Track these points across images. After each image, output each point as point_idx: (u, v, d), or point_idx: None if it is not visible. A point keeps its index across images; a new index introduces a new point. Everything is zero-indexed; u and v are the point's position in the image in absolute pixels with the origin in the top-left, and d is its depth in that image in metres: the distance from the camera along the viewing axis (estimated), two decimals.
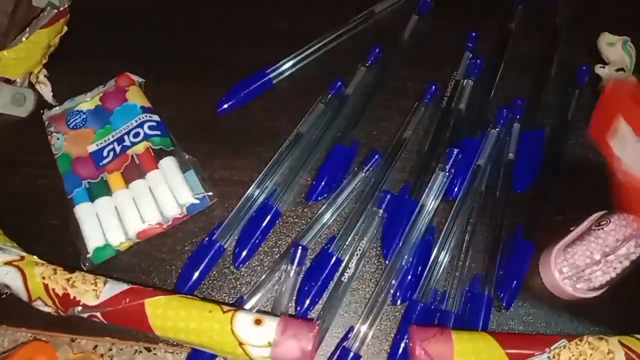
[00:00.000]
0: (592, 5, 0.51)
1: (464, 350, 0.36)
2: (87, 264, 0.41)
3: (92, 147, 0.44)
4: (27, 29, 0.45)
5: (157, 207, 0.41)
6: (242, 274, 0.42)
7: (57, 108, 0.46)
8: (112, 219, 0.41)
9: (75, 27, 0.49)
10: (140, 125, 0.43)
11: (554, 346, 0.36)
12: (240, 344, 0.35)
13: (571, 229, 0.40)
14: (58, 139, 0.44)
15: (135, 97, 0.45)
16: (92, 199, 0.42)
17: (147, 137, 0.43)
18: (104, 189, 0.42)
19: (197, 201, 0.41)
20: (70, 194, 0.42)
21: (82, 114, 0.45)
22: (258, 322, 0.36)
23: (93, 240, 0.41)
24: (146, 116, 0.44)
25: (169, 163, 0.42)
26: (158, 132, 0.43)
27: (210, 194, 0.42)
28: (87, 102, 0.46)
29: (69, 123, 0.45)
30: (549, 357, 0.36)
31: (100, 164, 0.43)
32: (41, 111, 0.46)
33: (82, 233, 0.41)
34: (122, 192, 0.42)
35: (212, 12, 0.51)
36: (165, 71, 0.47)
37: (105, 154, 0.43)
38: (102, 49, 0.49)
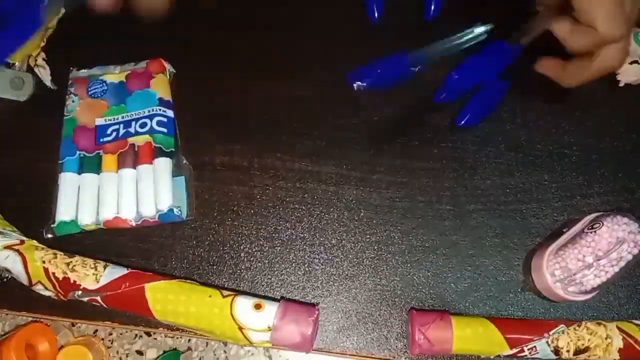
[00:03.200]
0: None
1: (464, 335, 0.36)
2: (49, 233, 0.41)
3: (100, 121, 0.44)
4: None
5: (135, 202, 0.41)
6: (241, 258, 0.42)
7: (85, 70, 0.46)
8: (90, 198, 0.41)
9: (72, 8, 0.48)
10: (151, 117, 0.43)
11: (552, 331, 0.37)
12: (240, 328, 0.36)
13: (564, 230, 0.40)
14: (73, 101, 0.44)
15: (158, 86, 0.44)
16: (80, 171, 0.42)
17: (152, 131, 0.43)
18: (95, 166, 0.42)
19: (172, 212, 0.41)
20: (62, 159, 0.42)
21: (104, 84, 0.45)
22: (258, 306, 0.36)
23: (63, 212, 0.41)
24: (160, 109, 0.43)
25: (163, 164, 0.42)
26: (164, 130, 0.43)
27: (189, 212, 0.42)
28: (114, 75, 0.45)
29: (89, 89, 0.45)
30: (547, 342, 0.36)
31: (101, 140, 0.43)
32: (71, 68, 0.46)
33: (56, 200, 0.41)
34: (110, 174, 0.42)
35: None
36: (168, 55, 0.46)
37: (108, 132, 0.43)
38: (100, 33, 0.48)
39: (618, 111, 0.46)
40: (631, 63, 0.45)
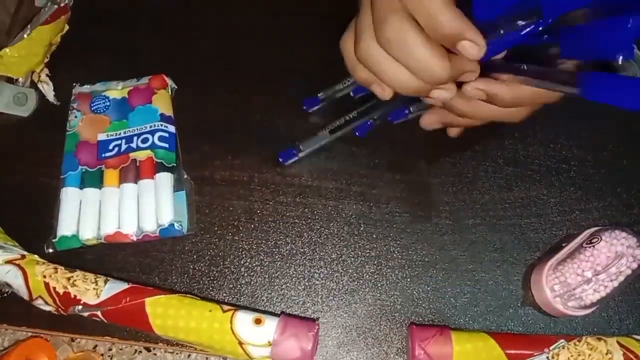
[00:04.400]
0: None
1: (464, 350, 0.36)
2: (50, 248, 0.41)
3: (102, 136, 0.44)
4: (29, 26, 0.45)
5: (136, 217, 0.41)
6: (241, 273, 0.42)
7: (88, 87, 0.46)
8: (92, 213, 0.42)
9: (77, 26, 0.49)
10: (152, 132, 0.43)
11: (552, 346, 0.37)
12: (240, 343, 0.36)
13: (563, 245, 0.40)
14: (76, 116, 0.45)
15: (160, 102, 0.45)
16: (82, 186, 0.42)
17: (153, 146, 0.43)
18: (97, 181, 0.43)
19: (173, 227, 0.41)
20: (64, 174, 0.43)
21: (107, 100, 0.45)
22: (258, 321, 0.36)
23: (64, 227, 0.41)
24: (161, 124, 0.44)
25: (164, 179, 0.42)
26: (166, 145, 0.43)
27: (189, 227, 0.42)
28: (117, 91, 0.46)
29: (92, 105, 0.45)
30: (547, 357, 0.36)
31: (103, 155, 0.43)
32: (74, 84, 0.46)
33: (58, 215, 0.41)
34: (112, 189, 0.42)
35: (211, 12, 0.51)
36: (170, 71, 0.47)
37: (110, 147, 0.43)
38: (103, 49, 0.49)
39: (615, 127, 0.46)
40: None
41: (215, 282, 0.41)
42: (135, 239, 0.41)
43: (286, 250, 0.42)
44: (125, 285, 0.38)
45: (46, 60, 0.48)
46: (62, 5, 0.47)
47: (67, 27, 0.49)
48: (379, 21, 0.31)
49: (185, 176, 0.44)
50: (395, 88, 0.34)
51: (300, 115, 0.46)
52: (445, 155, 0.45)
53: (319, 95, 0.46)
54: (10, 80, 0.46)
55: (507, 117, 0.38)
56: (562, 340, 0.37)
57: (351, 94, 0.45)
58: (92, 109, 0.45)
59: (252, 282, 0.41)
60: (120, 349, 0.40)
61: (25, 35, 0.45)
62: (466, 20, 0.30)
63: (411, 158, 0.45)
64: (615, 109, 0.46)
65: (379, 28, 0.31)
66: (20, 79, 0.47)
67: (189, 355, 0.40)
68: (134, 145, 0.43)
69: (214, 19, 0.50)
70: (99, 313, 0.37)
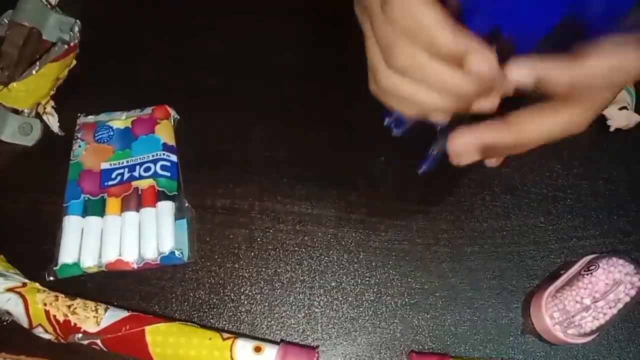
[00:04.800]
0: None
1: None
2: (51, 276, 0.41)
3: (105, 165, 0.45)
4: (38, 63, 0.46)
5: (137, 245, 0.42)
6: (241, 301, 0.42)
7: (92, 117, 0.47)
8: (94, 241, 0.42)
9: (83, 59, 0.50)
10: (155, 161, 0.44)
11: None
12: None
13: (561, 272, 0.40)
14: (80, 146, 0.46)
15: (162, 132, 0.46)
16: (84, 214, 0.43)
17: (155, 175, 0.44)
18: (99, 209, 0.43)
19: (174, 255, 0.41)
20: (67, 202, 0.43)
21: (110, 130, 0.46)
22: (258, 349, 0.36)
23: (66, 255, 0.41)
24: (164, 154, 0.45)
25: (165, 208, 0.43)
26: (167, 174, 0.44)
27: (190, 255, 0.42)
28: (120, 121, 0.47)
29: (95, 135, 0.46)
30: None
31: (105, 183, 0.44)
32: (79, 114, 0.47)
33: (60, 243, 0.42)
34: (114, 217, 0.43)
35: (212, 45, 0.52)
36: (173, 102, 0.48)
37: (113, 176, 0.44)
38: (108, 81, 0.50)
39: (610, 155, 0.47)
40: (620, 109, 0.47)
41: (215, 310, 0.41)
42: (136, 266, 0.41)
43: (286, 278, 0.42)
44: (125, 313, 0.38)
45: (52, 92, 0.49)
46: (71, 44, 0.48)
47: (74, 63, 0.50)
48: (386, 51, 0.29)
49: (187, 204, 0.44)
50: (432, 111, 0.31)
51: (300, 143, 0.47)
52: (443, 183, 0.46)
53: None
54: (15, 111, 0.47)
55: (568, 127, 0.31)
56: None
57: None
58: (96, 138, 0.46)
59: (252, 310, 0.41)
60: None
61: (34, 72, 0.46)
62: (468, 35, 0.27)
63: (409, 186, 0.46)
64: (608, 139, 0.47)
65: (389, 58, 0.29)
66: (26, 110, 0.48)
67: None
68: (136, 174, 0.44)
69: (214, 51, 0.51)
70: (98, 342, 0.37)
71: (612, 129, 0.47)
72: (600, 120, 0.47)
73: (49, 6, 0.49)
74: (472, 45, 0.27)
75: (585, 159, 0.47)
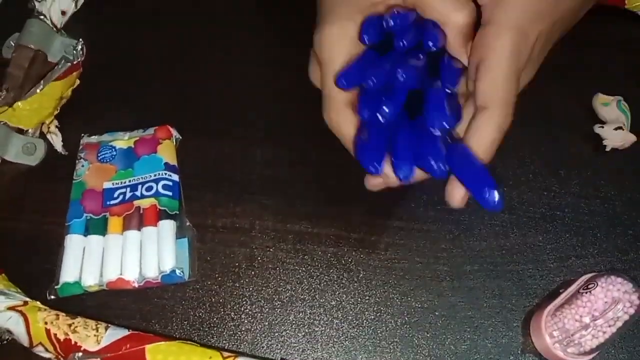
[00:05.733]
0: (579, 68, 0.53)
1: None
2: (52, 294, 0.41)
3: (108, 184, 0.45)
4: (42, 82, 0.47)
5: (138, 264, 0.42)
6: (242, 320, 0.42)
7: (95, 137, 0.48)
8: (95, 260, 0.42)
9: (87, 79, 0.51)
10: (157, 181, 0.45)
11: None
12: None
13: (560, 291, 0.41)
14: (83, 165, 0.46)
15: (165, 152, 0.46)
16: (86, 233, 0.43)
17: (157, 194, 0.44)
18: (101, 228, 0.43)
19: (175, 274, 0.41)
20: (69, 222, 0.43)
21: (113, 150, 0.47)
22: None
23: (67, 274, 0.41)
24: (166, 174, 0.45)
25: (167, 227, 0.43)
26: (169, 194, 0.45)
27: (190, 273, 0.42)
28: (123, 141, 0.47)
29: (98, 154, 0.46)
30: None
31: (108, 203, 0.44)
32: (82, 135, 0.48)
33: (61, 262, 0.42)
34: (115, 236, 0.43)
35: (215, 66, 0.53)
36: (175, 123, 0.49)
37: (115, 195, 0.45)
38: (112, 101, 0.51)
39: (606, 174, 0.47)
40: (616, 129, 0.47)
41: (215, 328, 0.41)
42: (137, 285, 0.41)
43: (286, 297, 0.43)
44: (125, 332, 0.38)
45: (56, 112, 0.49)
46: (75, 62, 0.49)
47: (78, 82, 0.51)
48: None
49: (188, 223, 0.44)
50: None
51: (300, 162, 0.47)
52: (442, 202, 0.46)
53: None
54: (20, 131, 0.48)
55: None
56: None
57: None
58: (99, 158, 0.47)
59: (252, 329, 0.41)
60: None
61: (38, 90, 0.47)
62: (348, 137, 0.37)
63: (409, 205, 0.46)
64: (604, 158, 0.48)
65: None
66: (30, 130, 0.48)
67: None
68: (138, 193, 0.44)
69: (217, 72, 0.52)
70: None
71: (608, 149, 0.48)
72: (597, 140, 0.48)
73: (54, 29, 0.50)
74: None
75: (582, 178, 0.47)
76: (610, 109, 0.48)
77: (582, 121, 0.49)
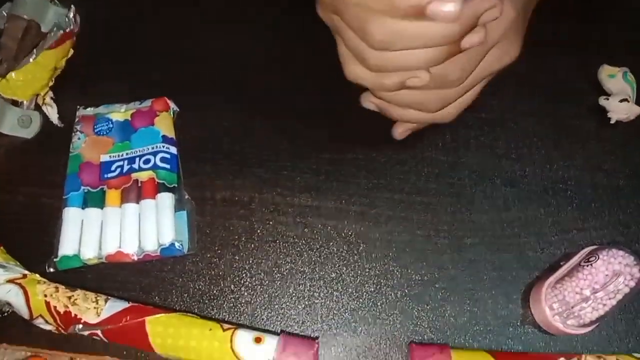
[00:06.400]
0: (586, 38, 0.52)
1: None
2: (51, 267, 0.41)
3: (105, 157, 0.45)
4: (34, 51, 0.46)
5: (137, 237, 0.42)
6: (241, 292, 0.42)
7: (91, 109, 0.47)
8: (93, 233, 0.42)
9: (82, 50, 0.50)
10: (154, 154, 0.44)
11: None
12: None
13: (561, 264, 0.40)
14: (79, 138, 0.45)
15: (162, 124, 0.46)
16: (84, 206, 0.43)
17: (155, 167, 0.44)
18: (99, 201, 0.43)
19: (174, 247, 0.41)
20: (66, 195, 0.43)
21: (110, 122, 0.46)
22: (258, 340, 0.36)
23: (66, 247, 0.41)
24: (163, 146, 0.45)
25: (165, 199, 0.43)
26: (167, 166, 0.44)
27: (190, 246, 0.42)
28: (120, 113, 0.47)
29: (95, 127, 0.46)
30: None
31: (105, 176, 0.44)
32: (77, 107, 0.47)
33: (59, 235, 0.42)
34: (113, 209, 0.43)
35: (213, 36, 0.52)
36: (172, 95, 0.48)
37: (113, 168, 0.44)
38: (107, 73, 0.50)
39: (610, 147, 0.47)
40: (621, 101, 0.47)
41: (215, 301, 0.41)
42: (136, 258, 0.41)
43: (286, 269, 0.43)
44: (125, 305, 0.38)
45: (51, 83, 0.48)
46: (67, 30, 0.48)
47: (72, 52, 0.50)
48: (362, 33, 0.32)
49: (187, 196, 0.44)
50: (426, 68, 0.33)
51: (300, 136, 0.47)
52: (443, 175, 0.46)
53: None
54: (15, 103, 0.47)
55: (436, 119, 0.39)
56: (561, 359, 0.37)
57: None
58: (96, 131, 0.46)
59: (252, 301, 0.41)
60: None
61: (31, 60, 0.46)
62: None
63: (409, 178, 0.45)
64: (608, 131, 0.47)
65: (366, 38, 0.31)
66: (25, 102, 0.47)
67: None
68: (136, 166, 0.44)
69: (215, 43, 0.51)
70: (99, 332, 0.37)
71: (612, 121, 0.47)
72: (601, 113, 0.47)
73: None
74: None
75: (585, 151, 0.47)
76: (616, 80, 0.47)
77: (587, 93, 0.49)
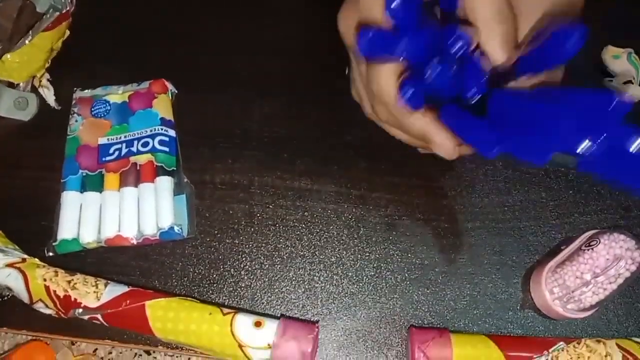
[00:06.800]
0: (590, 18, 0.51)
1: (463, 353, 0.36)
2: (50, 251, 0.41)
3: (103, 140, 0.44)
4: (30, 32, 0.45)
5: (136, 220, 0.42)
6: (241, 276, 0.42)
7: (88, 91, 0.47)
8: (92, 217, 0.42)
9: (78, 31, 0.49)
10: (152, 136, 0.44)
11: (552, 349, 0.37)
12: (240, 345, 0.36)
13: (562, 248, 0.40)
14: (76, 120, 0.45)
15: (160, 106, 0.45)
16: (82, 189, 0.43)
17: (154, 150, 0.43)
18: (97, 184, 0.43)
19: (173, 230, 0.41)
20: (64, 178, 0.43)
21: (107, 104, 0.46)
22: (258, 324, 0.36)
23: (65, 230, 0.41)
24: (162, 129, 0.44)
25: (164, 183, 0.43)
26: (166, 149, 0.44)
27: (189, 230, 0.42)
28: (117, 95, 0.46)
29: (92, 109, 0.45)
30: (547, 359, 0.36)
31: (103, 159, 0.43)
32: (75, 89, 0.47)
33: (58, 219, 0.41)
34: (112, 193, 0.43)
35: (212, 19, 0.51)
36: (170, 77, 0.47)
37: (111, 151, 0.44)
38: (104, 54, 0.49)
39: None
40: (625, 83, 0.46)
41: (215, 285, 0.41)
42: (135, 242, 0.41)
43: (286, 253, 0.42)
44: (125, 289, 0.38)
45: (47, 65, 0.48)
46: (63, 11, 0.47)
47: (68, 33, 0.49)
48: (372, 101, 0.37)
49: (186, 180, 0.44)
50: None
51: (300, 119, 0.46)
52: (443, 158, 0.45)
53: None
54: (11, 85, 0.46)
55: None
56: (561, 343, 0.37)
57: None
58: (93, 113, 0.45)
59: (252, 285, 0.41)
60: (120, 352, 0.40)
61: (27, 41, 0.45)
62: (433, 123, 0.34)
63: (410, 162, 0.45)
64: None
65: (375, 110, 0.37)
66: (21, 84, 0.47)
67: (188, 359, 0.40)
68: (134, 149, 0.44)
69: (215, 26, 0.50)
70: (99, 316, 0.37)
71: None
72: None
73: None
74: (435, 132, 0.34)
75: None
76: (620, 61, 0.47)
77: (590, 74, 0.48)
